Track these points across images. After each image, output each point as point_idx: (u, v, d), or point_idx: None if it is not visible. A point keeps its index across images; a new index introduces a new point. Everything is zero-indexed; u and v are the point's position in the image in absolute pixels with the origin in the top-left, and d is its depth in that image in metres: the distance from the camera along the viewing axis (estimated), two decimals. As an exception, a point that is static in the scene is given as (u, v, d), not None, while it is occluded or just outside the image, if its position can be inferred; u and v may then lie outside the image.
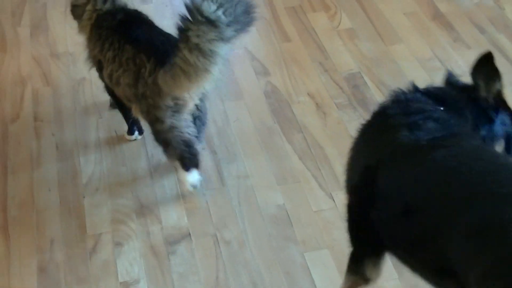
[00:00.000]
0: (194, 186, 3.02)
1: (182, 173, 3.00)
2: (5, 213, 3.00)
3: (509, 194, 1.79)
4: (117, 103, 3.19)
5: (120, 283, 2.73)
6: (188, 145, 2.93)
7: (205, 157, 3.17)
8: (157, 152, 3.17)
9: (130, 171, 3.15)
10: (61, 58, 3.71)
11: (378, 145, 2.13)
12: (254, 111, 3.43)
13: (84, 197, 3.05)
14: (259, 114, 3.41)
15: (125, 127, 3.28)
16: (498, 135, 2.16)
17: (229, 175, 3.12)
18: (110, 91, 3.15)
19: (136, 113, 3.00)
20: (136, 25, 2.99)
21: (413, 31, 3.88)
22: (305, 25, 3.95)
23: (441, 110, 2.10)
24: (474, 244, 1.77)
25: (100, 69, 3.06)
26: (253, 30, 3.88)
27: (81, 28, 3.11)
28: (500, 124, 2.15)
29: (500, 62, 3.56)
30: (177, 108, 2.86)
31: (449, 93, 2.18)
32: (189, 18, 2.63)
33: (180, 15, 2.65)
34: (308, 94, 3.50)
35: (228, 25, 2.62)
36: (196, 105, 2.93)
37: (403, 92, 2.18)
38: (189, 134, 2.92)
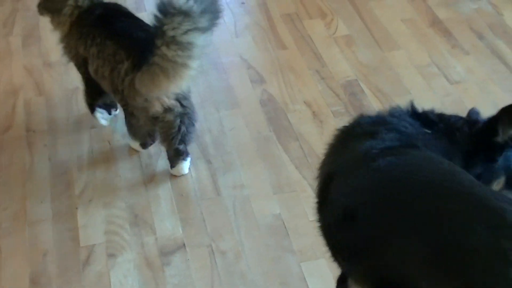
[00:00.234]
0: (180, 173, 3.09)
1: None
2: (-3, 225, 2.96)
3: (451, 210, 1.71)
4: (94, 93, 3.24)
5: (114, 294, 2.70)
6: (170, 143, 3.01)
7: (200, 167, 3.14)
8: (151, 163, 3.14)
9: (124, 181, 3.11)
10: (53, 67, 3.68)
11: (340, 152, 2.10)
12: (250, 120, 3.39)
13: (77, 208, 3.00)
14: (255, 123, 3.37)
15: (116, 135, 3.27)
16: (498, 170, 2.09)
17: (225, 185, 3.08)
18: (88, 84, 3.19)
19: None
20: (116, 19, 3.00)
21: (410, 38, 3.84)
22: (301, 33, 3.91)
23: (425, 132, 2.04)
24: (428, 272, 1.70)
25: (84, 66, 3.06)
26: (248, 37, 3.91)
27: (57, 24, 3.10)
28: (504, 160, 2.08)
29: (498, 69, 3.59)
30: (147, 109, 2.90)
31: (448, 121, 2.10)
32: (162, 13, 2.66)
33: (153, 14, 2.68)
34: (304, 102, 3.46)
35: (201, 13, 2.66)
36: (179, 102, 2.93)
37: (393, 108, 2.12)
38: (167, 132, 2.98)
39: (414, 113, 2.09)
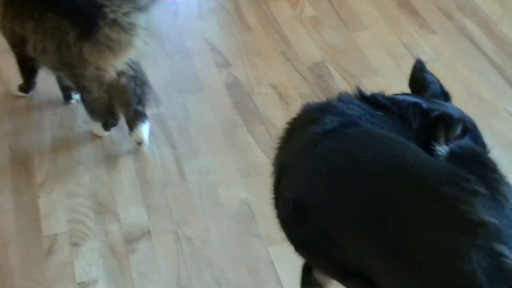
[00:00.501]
0: (140, 142, 3.04)
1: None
2: (-45, 217, 2.89)
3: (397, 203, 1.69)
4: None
5: (78, 284, 2.63)
6: (129, 105, 2.98)
7: (164, 152, 3.09)
8: (114, 148, 3.09)
9: (87, 169, 3.05)
10: (11, 53, 3.60)
11: (288, 144, 2.06)
12: (215, 104, 3.34)
13: (39, 197, 2.94)
14: (220, 106, 3.32)
15: (79, 121, 3.22)
16: None
17: (190, 170, 3.02)
18: (21, 64, 3.21)
19: (67, 80, 3.04)
20: None
21: (378, 18, 3.81)
22: (267, 14, 3.86)
23: (378, 114, 1.99)
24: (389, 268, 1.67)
25: (21, 45, 3.02)
26: (213, 20, 3.85)
27: None
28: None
29: (467, 49, 3.56)
30: (100, 77, 2.87)
31: (399, 105, 2.02)
32: None
33: None
34: (270, 85, 3.42)
35: None
36: (130, 66, 2.92)
37: (341, 94, 2.07)
38: (124, 96, 2.96)
39: (363, 97, 2.04)
